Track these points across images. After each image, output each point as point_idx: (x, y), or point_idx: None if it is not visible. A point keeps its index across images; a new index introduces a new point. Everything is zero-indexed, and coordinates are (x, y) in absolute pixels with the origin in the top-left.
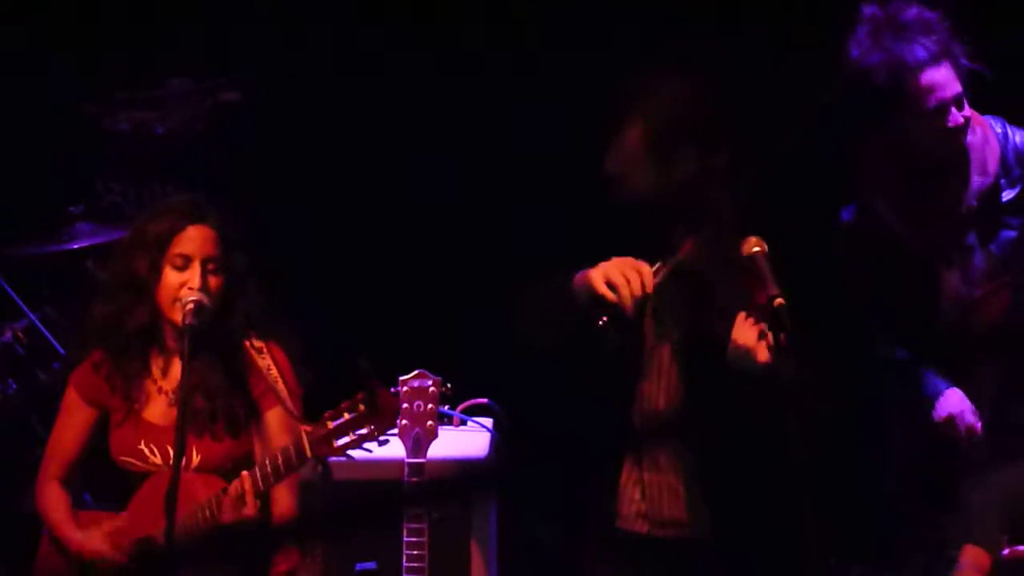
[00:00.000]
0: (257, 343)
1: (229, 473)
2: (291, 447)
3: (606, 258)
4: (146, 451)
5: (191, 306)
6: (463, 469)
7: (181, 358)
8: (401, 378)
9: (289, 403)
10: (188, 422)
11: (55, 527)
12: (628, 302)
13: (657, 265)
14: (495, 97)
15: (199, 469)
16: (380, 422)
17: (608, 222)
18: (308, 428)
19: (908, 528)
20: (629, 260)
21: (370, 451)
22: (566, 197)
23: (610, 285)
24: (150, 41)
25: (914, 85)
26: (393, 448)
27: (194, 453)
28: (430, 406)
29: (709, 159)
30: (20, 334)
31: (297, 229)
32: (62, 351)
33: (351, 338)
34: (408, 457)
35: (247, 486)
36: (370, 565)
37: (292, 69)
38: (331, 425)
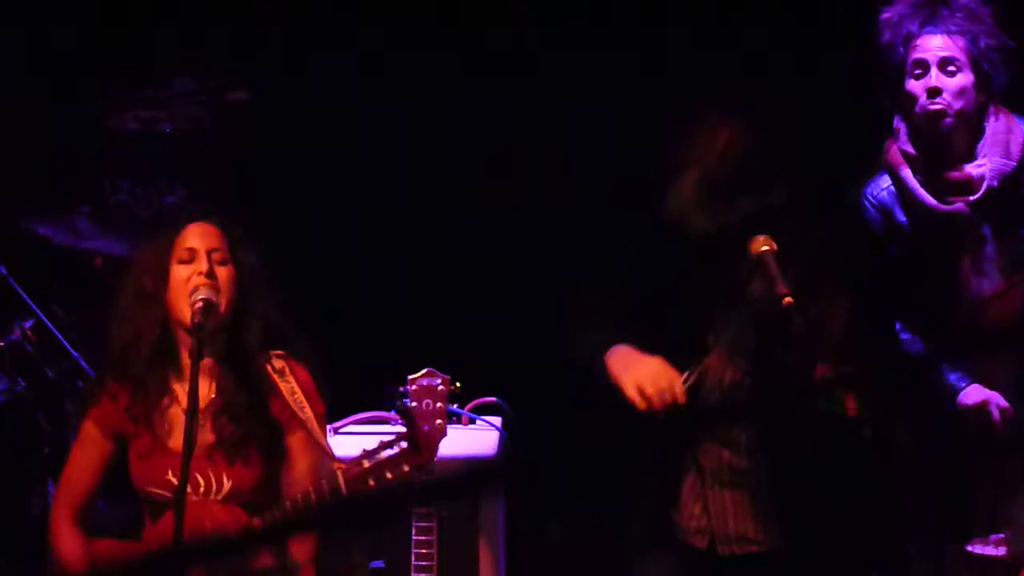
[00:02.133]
0: (278, 363)
1: (256, 503)
2: (324, 483)
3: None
4: (174, 480)
5: (199, 304)
6: (471, 467)
7: (190, 356)
8: (410, 376)
9: (317, 431)
10: (220, 446)
11: (68, 562)
12: (659, 413)
13: (687, 374)
14: (500, 94)
15: (228, 497)
16: (418, 462)
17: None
18: (343, 466)
19: (920, 527)
20: (661, 370)
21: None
22: (573, 195)
23: (642, 395)
24: (156, 40)
25: (905, 41)
26: None
27: (224, 480)
28: (439, 404)
29: (766, 198)
30: (29, 332)
31: (304, 228)
32: (71, 349)
33: (360, 337)
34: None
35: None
36: (379, 564)
37: (298, 68)
38: (367, 464)
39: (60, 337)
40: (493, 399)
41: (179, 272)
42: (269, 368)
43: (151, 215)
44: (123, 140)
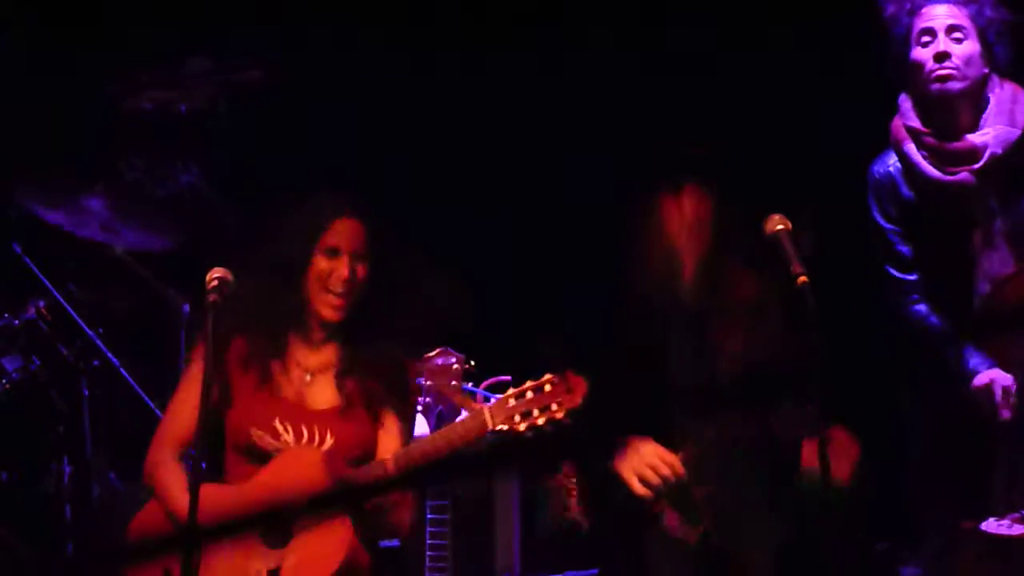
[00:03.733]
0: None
1: (358, 462)
2: (469, 422)
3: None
4: (279, 428)
5: (215, 283)
6: (486, 447)
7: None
8: (425, 355)
9: (464, 399)
10: (331, 405)
11: (163, 496)
12: (663, 494)
13: (682, 452)
14: (514, 79)
15: (333, 452)
16: (566, 402)
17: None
18: (487, 407)
19: (930, 503)
20: (656, 452)
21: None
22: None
23: (643, 481)
24: (171, 20)
25: (911, 11)
26: (418, 426)
27: (328, 435)
28: (454, 383)
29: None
30: (44, 311)
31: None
32: (86, 328)
33: None
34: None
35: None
36: (393, 543)
37: (312, 48)
38: (512, 403)
39: (75, 316)
40: (507, 378)
41: (321, 263)
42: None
43: (166, 194)
44: (139, 120)
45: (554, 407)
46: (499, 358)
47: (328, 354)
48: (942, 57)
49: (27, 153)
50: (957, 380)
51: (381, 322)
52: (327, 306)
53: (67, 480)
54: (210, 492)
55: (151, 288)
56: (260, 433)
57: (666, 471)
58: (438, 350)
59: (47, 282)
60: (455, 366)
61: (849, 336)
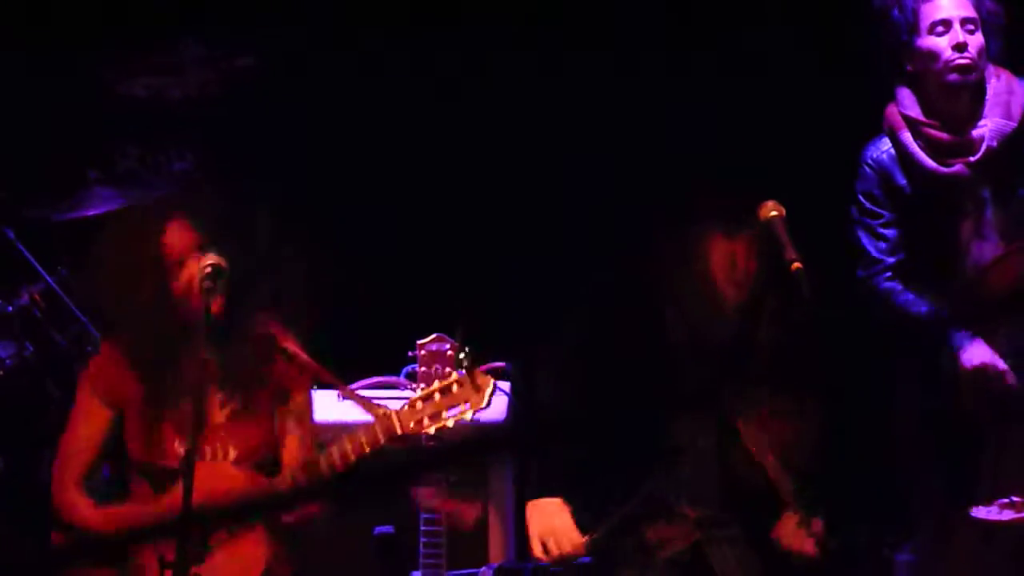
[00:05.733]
0: (274, 329)
1: (264, 465)
2: (375, 427)
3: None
4: (179, 447)
5: (208, 270)
6: (480, 433)
7: (196, 326)
8: (419, 342)
9: (340, 384)
10: (224, 414)
11: (92, 526)
12: (558, 564)
13: (587, 536)
14: (508, 56)
15: (238, 462)
16: (475, 402)
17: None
18: (394, 411)
19: (918, 488)
20: (563, 528)
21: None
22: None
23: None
24: (165, 6)
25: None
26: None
27: (230, 448)
28: (448, 370)
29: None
30: (37, 297)
31: (312, 192)
32: (79, 314)
33: (370, 301)
34: None
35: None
36: (387, 529)
37: (305, 35)
38: (421, 406)
39: (69, 302)
40: (502, 364)
41: (180, 273)
42: (268, 334)
43: (161, 182)
44: (132, 106)
45: (462, 407)
46: (493, 344)
47: (212, 366)
48: (962, 47)
49: (21, 149)
50: (944, 360)
51: (249, 312)
52: (196, 299)
53: (54, 472)
54: (130, 512)
55: None
56: (160, 454)
57: (566, 546)
58: (433, 336)
59: (40, 268)
60: (449, 352)
61: (838, 324)
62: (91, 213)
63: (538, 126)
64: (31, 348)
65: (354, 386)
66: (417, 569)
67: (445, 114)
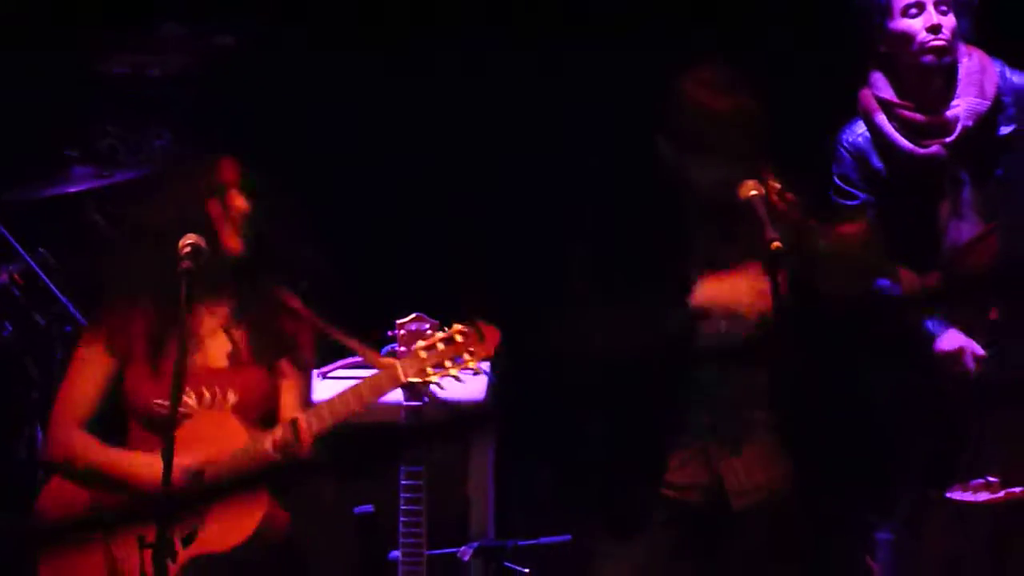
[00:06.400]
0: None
1: (264, 415)
2: (381, 376)
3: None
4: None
5: (187, 249)
6: (461, 412)
7: (186, 299)
8: (398, 321)
9: (346, 338)
10: (227, 362)
11: (104, 464)
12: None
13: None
14: (487, 45)
15: (236, 409)
16: (479, 351)
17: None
18: (398, 360)
19: (898, 466)
20: None
21: (461, 380)
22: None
23: None
24: None
25: None
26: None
27: (230, 394)
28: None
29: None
30: (17, 277)
31: (294, 173)
32: (59, 294)
33: (350, 280)
34: (406, 400)
35: (313, 421)
36: (367, 508)
37: (285, 15)
38: (425, 355)
39: (48, 282)
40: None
41: (215, 206)
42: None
43: (140, 160)
44: (112, 84)
45: (466, 357)
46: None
47: (221, 312)
48: (936, 29)
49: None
50: (920, 344)
51: (268, 263)
52: (231, 237)
53: (39, 446)
54: (145, 460)
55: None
56: (159, 400)
57: None
58: (412, 316)
59: (19, 247)
60: (429, 332)
61: (814, 306)
62: (71, 191)
63: (527, 113)
64: (10, 328)
65: (329, 368)
66: (397, 548)
67: (425, 92)
